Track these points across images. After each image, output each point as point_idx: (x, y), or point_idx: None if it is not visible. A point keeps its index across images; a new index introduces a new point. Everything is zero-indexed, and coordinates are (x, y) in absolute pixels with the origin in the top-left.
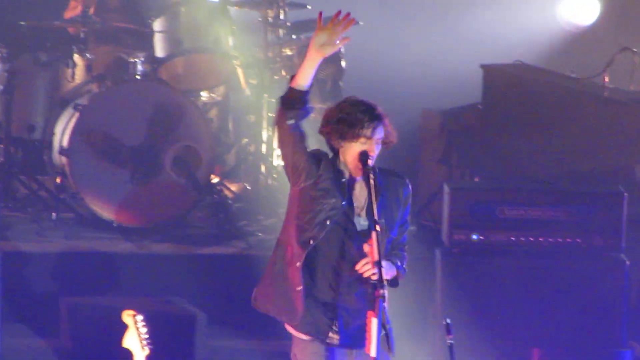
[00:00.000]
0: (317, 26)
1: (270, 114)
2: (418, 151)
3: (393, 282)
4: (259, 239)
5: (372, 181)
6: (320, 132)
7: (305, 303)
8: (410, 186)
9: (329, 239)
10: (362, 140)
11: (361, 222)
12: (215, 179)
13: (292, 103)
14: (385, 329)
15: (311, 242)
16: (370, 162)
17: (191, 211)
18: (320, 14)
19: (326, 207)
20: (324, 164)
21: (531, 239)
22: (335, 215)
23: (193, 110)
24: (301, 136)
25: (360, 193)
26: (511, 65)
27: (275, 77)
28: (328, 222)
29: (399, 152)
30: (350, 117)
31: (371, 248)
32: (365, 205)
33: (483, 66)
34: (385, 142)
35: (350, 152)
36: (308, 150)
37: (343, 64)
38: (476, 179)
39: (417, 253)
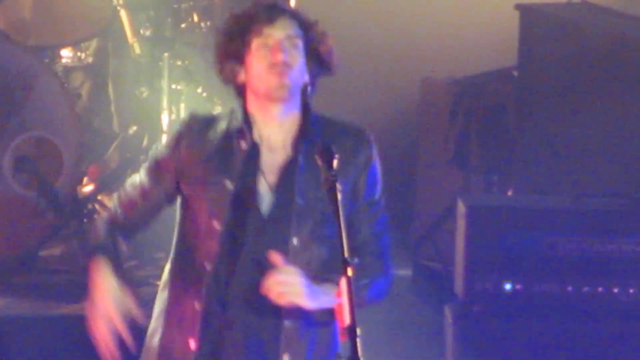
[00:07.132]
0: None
1: (174, 86)
2: (414, 145)
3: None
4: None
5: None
6: (219, 72)
7: None
8: (373, 144)
9: (231, 250)
10: (259, 41)
11: (267, 200)
12: (87, 188)
13: None
14: None
15: (207, 265)
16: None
17: (46, 244)
18: None
19: (214, 189)
20: (198, 126)
21: (600, 289)
22: (226, 200)
23: (48, 79)
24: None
25: (279, 151)
26: (563, 6)
27: (182, 26)
28: (217, 226)
29: (387, 144)
30: (240, 18)
31: (339, 305)
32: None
33: (520, 7)
34: (317, 58)
35: (254, 71)
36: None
37: None
38: (510, 192)
39: (414, 310)
